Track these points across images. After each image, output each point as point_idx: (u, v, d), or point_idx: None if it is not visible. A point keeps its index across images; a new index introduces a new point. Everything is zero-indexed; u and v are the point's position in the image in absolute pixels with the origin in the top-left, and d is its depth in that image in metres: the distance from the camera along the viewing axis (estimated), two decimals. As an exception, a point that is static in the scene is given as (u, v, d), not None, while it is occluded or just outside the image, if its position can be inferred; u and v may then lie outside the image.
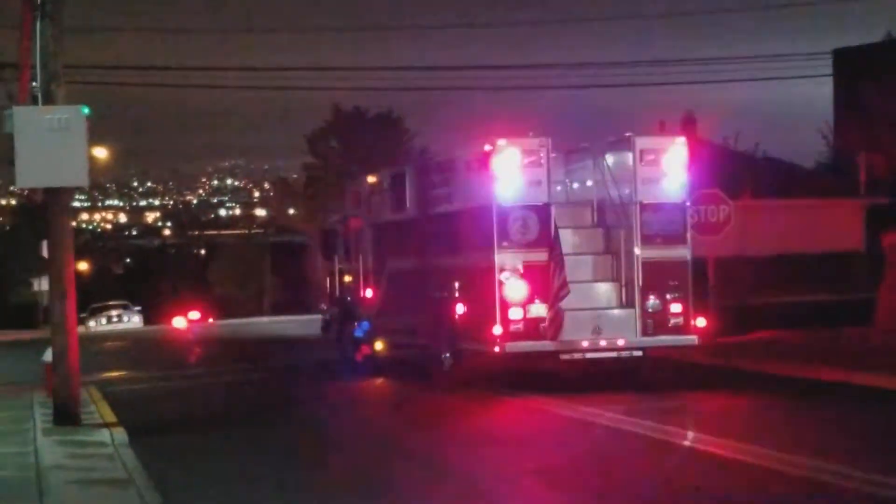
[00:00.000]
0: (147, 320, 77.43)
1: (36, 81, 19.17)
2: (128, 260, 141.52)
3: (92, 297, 78.08)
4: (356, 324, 28.85)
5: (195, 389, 27.17)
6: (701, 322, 22.45)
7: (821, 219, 38.51)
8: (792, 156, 52.11)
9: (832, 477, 13.34)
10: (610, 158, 23.32)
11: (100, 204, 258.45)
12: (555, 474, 14.45)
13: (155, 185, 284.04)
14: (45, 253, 23.20)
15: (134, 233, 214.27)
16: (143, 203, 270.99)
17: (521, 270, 21.95)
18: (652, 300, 22.25)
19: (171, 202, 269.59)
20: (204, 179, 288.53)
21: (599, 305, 22.53)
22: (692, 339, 22.45)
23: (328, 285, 31.95)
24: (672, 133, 36.58)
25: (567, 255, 21.93)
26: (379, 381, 26.72)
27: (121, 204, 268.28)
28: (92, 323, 74.82)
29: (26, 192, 28.60)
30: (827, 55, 50.91)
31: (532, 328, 21.81)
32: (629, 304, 22.42)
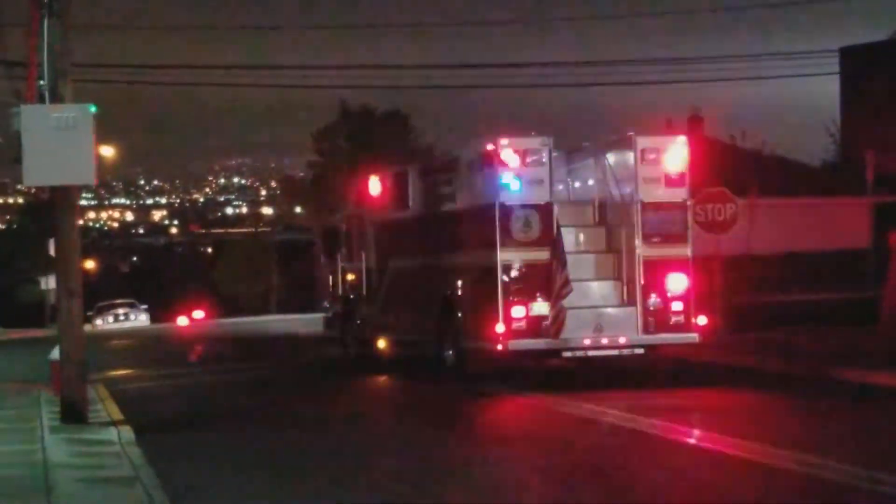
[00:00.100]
0: (154, 319, 77.50)
1: (43, 79, 19.19)
2: (134, 258, 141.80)
3: (99, 296, 78.17)
4: (358, 322, 28.99)
5: (201, 387, 27.22)
6: (702, 320, 22.56)
7: (827, 217, 38.46)
8: (799, 154, 52.12)
9: (837, 475, 13.35)
10: (611, 157, 23.43)
11: (107, 202, 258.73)
12: (563, 472, 14.46)
13: (162, 184, 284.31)
14: (52, 251, 23.22)
15: (141, 231, 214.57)
16: (149, 201, 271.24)
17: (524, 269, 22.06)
18: (653, 298, 22.35)
19: (178, 200, 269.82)
20: (211, 178, 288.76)
21: (601, 303, 22.64)
22: (693, 336, 22.54)
23: (331, 283, 32.04)
24: (678, 131, 36.55)
25: (569, 253, 22.01)
26: (382, 378, 26.78)
27: (128, 202, 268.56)
28: (99, 321, 74.90)
29: (33, 191, 28.64)
30: (834, 53, 50.82)
31: (534, 326, 21.91)
32: (631, 302, 22.53)
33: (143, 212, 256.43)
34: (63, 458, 15.88)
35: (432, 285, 25.02)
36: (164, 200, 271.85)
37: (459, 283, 23.78)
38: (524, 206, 22.17)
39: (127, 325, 74.13)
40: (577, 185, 24.73)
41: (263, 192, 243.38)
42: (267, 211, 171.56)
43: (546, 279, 21.79)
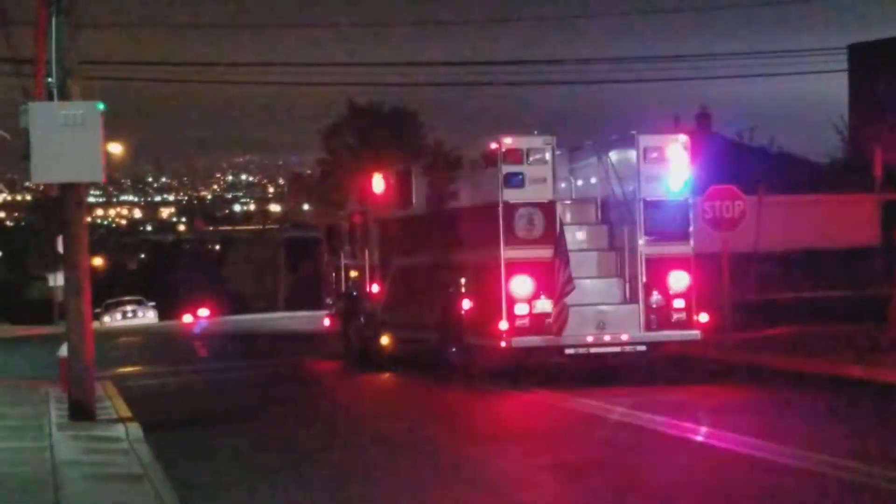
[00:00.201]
0: (162, 316, 77.57)
1: (51, 77, 19.22)
2: (142, 255, 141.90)
3: (107, 293, 78.27)
4: (361, 319, 29.06)
5: (208, 384, 27.25)
6: (703, 317, 22.68)
7: (835, 214, 38.43)
8: (807, 151, 52.11)
9: (844, 472, 13.34)
10: (614, 156, 23.56)
11: (115, 199, 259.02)
12: (571, 470, 14.45)
13: (170, 181, 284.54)
14: (60, 248, 23.27)
15: (149, 228, 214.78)
16: (157, 198, 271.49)
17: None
18: (655, 296, 22.47)
19: (186, 198, 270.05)
20: (218, 175, 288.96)
21: (604, 301, 22.77)
22: (695, 333, 22.65)
23: (333, 280, 32.12)
24: (686, 128, 36.43)
25: (572, 251, 22.14)
26: (386, 375, 26.85)
27: (136, 199, 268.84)
28: (107, 318, 75.00)
29: (42, 188, 28.63)
30: (842, 50, 50.80)
31: (538, 323, 22.05)
32: (633, 299, 22.67)
33: (151, 209, 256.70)
34: (71, 456, 15.90)
35: (436, 283, 25.14)
36: (172, 197, 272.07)
37: (463, 280, 23.90)
38: (527, 205, 22.30)
39: (135, 322, 74.23)
40: (579, 183, 24.85)
41: (271, 190, 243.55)
42: (275, 208, 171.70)
43: (549, 277, 21.90)
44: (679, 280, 22.52)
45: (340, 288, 31.36)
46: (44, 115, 18.64)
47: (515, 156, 22.36)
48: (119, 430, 18.34)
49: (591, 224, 23.81)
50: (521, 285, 22.07)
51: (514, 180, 22.28)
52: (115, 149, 43.06)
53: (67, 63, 19.15)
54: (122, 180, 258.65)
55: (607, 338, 22.35)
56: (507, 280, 22.07)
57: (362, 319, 29.22)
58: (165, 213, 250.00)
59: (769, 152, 45.88)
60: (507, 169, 22.29)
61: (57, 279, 60.04)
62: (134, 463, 15.47)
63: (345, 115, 76.74)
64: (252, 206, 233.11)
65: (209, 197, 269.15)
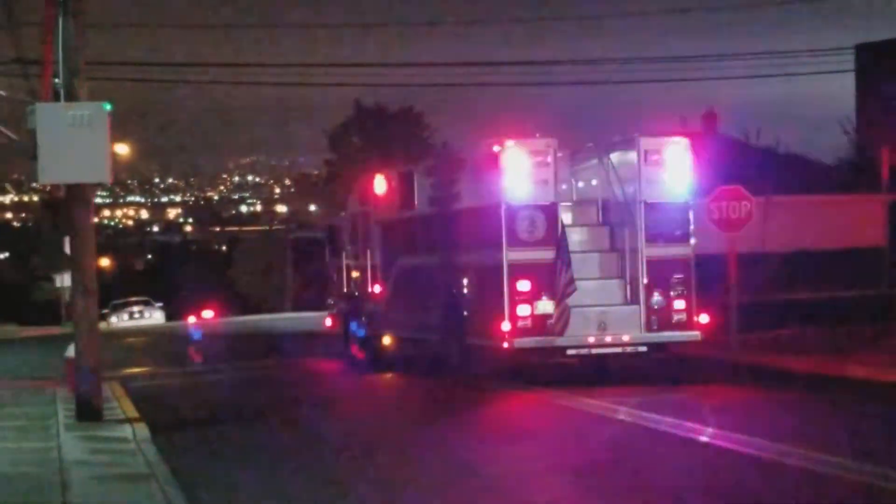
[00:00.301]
0: (169, 316, 77.56)
1: (58, 78, 19.24)
2: (149, 256, 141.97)
3: (114, 293, 78.30)
4: (355, 321, 29.21)
5: (215, 385, 27.27)
6: (704, 318, 22.83)
7: (842, 214, 38.40)
8: (814, 151, 52.00)
9: (849, 473, 13.34)
10: (615, 158, 23.71)
11: (122, 200, 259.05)
12: (579, 470, 14.46)
13: (176, 182, 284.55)
14: (67, 249, 23.28)
15: (155, 229, 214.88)
16: (164, 199, 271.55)
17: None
18: (656, 297, 22.63)
19: (193, 198, 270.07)
20: (225, 175, 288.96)
21: (605, 302, 22.89)
22: (695, 334, 22.80)
23: (335, 281, 32.23)
24: (693, 128, 36.51)
25: (573, 252, 22.27)
26: (388, 375, 26.92)
27: (142, 200, 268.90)
28: (114, 319, 75.04)
29: (49, 189, 28.60)
30: (849, 50, 50.71)
31: (539, 324, 22.20)
32: (634, 300, 22.81)
33: (157, 210, 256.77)
34: (79, 456, 15.93)
35: (438, 283, 25.29)
36: (178, 198, 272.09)
37: (465, 281, 24.07)
38: (529, 207, 22.48)
39: (142, 322, 74.26)
40: (580, 185, 25.00)
41: (278, 190, 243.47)
42: (281, 209, 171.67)
43: (551, 278, 22.05)
44: (679, 281, 22.67)
45: (342, 288, 31.48)
46: (51, 116, 18.67)
47: (518, 158, 22.50)
48: (126, 430, 18.37)
49: (593, 226, 23.96)
50: (524, 286, 22.23)
51: (516, 182, 22.44)
52: (122, 149, 43.14)
53: (74, 64, 19.18)
54: (129, 181, 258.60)
55: (609, 338, 22.47)
56: (509, 281, 22.23)
57: (364, 319, 29.34)
58: (172, 213, 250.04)
59: (776, 153, 45.80)
60: (509, 171, 22.44)
61: (64, 280, 60.12)
62: (141, 463, 15.50)
63: (351, 116, 76.78)
64: (259, 207, 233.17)
65: (216, 198, 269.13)
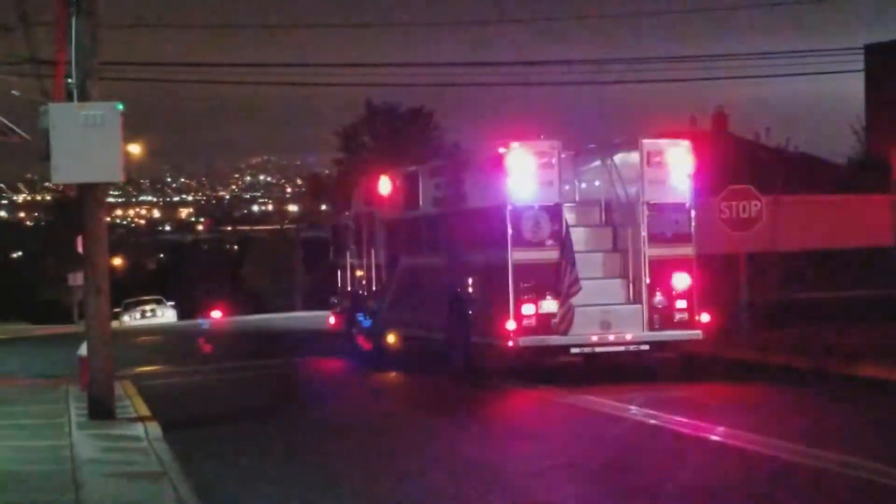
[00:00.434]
0: (181, 315, 77.70)
1: (71, 78, 19.33)
2: (161, 255, 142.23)
3: (126, 292, 78.51)
4: (360, 316, 29.43)
5: (226, 383, 27.32)
6: (705, 317, 23.04)
7: (852, 214, 38.38)
8: (824, 151, 52.01)
9: (857, 471, 13.38)
10: (618, 159, 24.01)
11: (134, 199, 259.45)
12: (588, 469, 14.51)
13: (188, 181, 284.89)
14: (80, 248, 23.37)
15: (167, 228, 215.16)
16: (176, 199, 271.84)
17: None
18: (658, 296, 22.87)
19: (205, 198, 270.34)
20: (237, 175, 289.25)
21: (608, 301, 23.11)
22: (697, 333, 23.01)
23: (339, 279, 32.44)
24: (702, 129, 36.54)
25: (577, 252, 22.54)
26: (393, 374, 27.03)
27: (154, 199, 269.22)
28: (126, 318, 75.22)
29: (61, 188, 28.82)
30: (858, 50, 50.68)
31: (544, 323, 22.43)
32: (636, 300, 23.05)
33: (169, 209, 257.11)
34: (91, 454, 15.99)
35: (442, 283, 25.51)
36: (190, 198, 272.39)
37: (470, 281, 24.29)
38: (534, 208, 22.72)
39: (154, 321, 74.42)
40: (584, 186, 25.26)
41: (289, 190, 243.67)
42: (292, 208, 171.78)
43: (555, 278, 22.33)
44: (681, 281, 22.93)
45: (346, 287, 31.74)
46: (63, 116, 18.75)
47: (522, 160, 22.76)
48: (138, 428, 18.44)
49: (596, 226, 24.20)
50: (528, 286, 22.47)
51: (520, 184, 22.70)
52: (134, 149, 43.27)
53: (87, 64, 19.26)
54: (141, 180, 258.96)
55: (612, 337, 22.72)
56: (514, 281, 22.47)
57: (368, 318, 29.57)
58: (184, 213, 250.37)
59: (785, 152, 45.80)
60: (514, 172, 22.70)
61: (77, 279, 60.24)
62: (153, 461, 15.56)
63: (362, 116, 76.87)
64: (270, 207, 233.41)
65: (227, 197, 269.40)
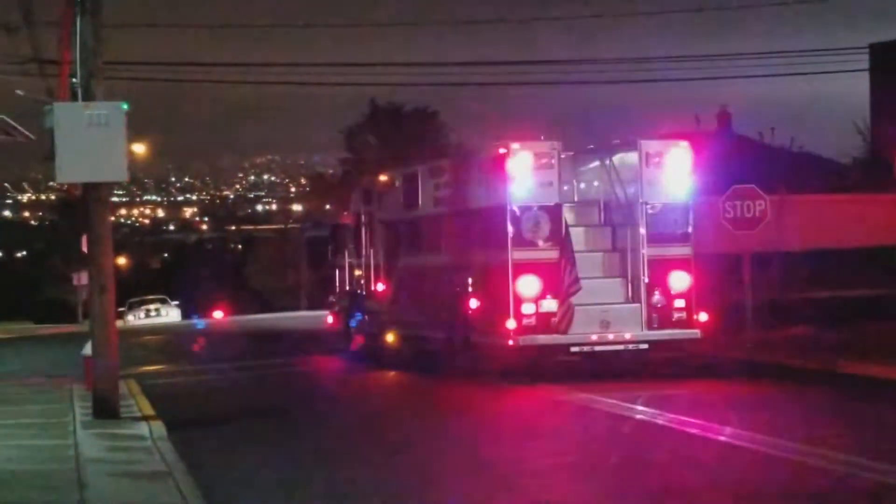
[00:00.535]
0: (185, 314, 77.70)
1: (76, 77, 19.35)
2: (165, 255, 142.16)
3: (130, 292, 78.43)
4: (359, 315, 29.54)
5: (229, 383, 27.37)
6: (703, 316, 23.29)
7: (857, 214, 38.31)
8: (829, 151, 51.93)
9: (865, 473, 13.38)
10: (617, 160, 24.24)
11: (138, 199, 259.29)
12: (596, 467, 14.52)
13: (192, 181, 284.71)
14: (84, 247, 23.39)
15: (171, 228, 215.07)
16: (180, 198, 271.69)
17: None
18: (657, 296, 23.13)
19: (209, 197, 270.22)
20: (241, 174, 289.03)
21: (607, 301, 23.33)
22: (695, 332, 23.26)
23: (337, 279, 32.50)
24: (707, 128, 36.60)
25: (577, 252, 22.70)
26: (392, 373, 27.06)
27: (158, 199, 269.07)
28: (130, 317, 75.19)
29: (66, 188, 28.75)
30: (863, 49, 50.58)
31: (544, 322, 22.68)
32: (635, 299, 23.32)
33: (173, 208, 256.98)
34: (95, 453, 16.00)
35: (443, 282, 25.68)
36: (194, 197, 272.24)
37: (470, 280, 24.46)
38: (534, 208, 22.94)
39: (158, 320, 74.37)
40: (582, 186, 25.48)
41: (293, 189, 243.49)
42: (297, 208, 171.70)
43: (555, 277, 22.51)
44: (679, 280, 23.22)
45: (344, 286, 31.84)
46: (68, 116, 18.77)
47: (523, 160, 22.93)
48: (143, 428, 18.45)
49: (595, 226, 24.41)
50: (529, 285, 22.73)
51: (521, 184, 22.89)
52: (139, 148, 43.21)
53: (92, 63, 19.28)
54: (145, 180, 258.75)
55: (611, 336, 22.95)
56: (514, 280, 22.71)
57: (366, 317, 29.68)
58: (188, 212, 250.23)
59: (790, 152, 45.78)
60: (514, 173, 22.88)
61: (81, 278, 60.27)
62: (157, 461, 15.57)
63: (366, 115, 76.83)
64: (274, 206, 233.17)
65: (231, 197, 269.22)
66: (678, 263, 23.22)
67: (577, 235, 23.31)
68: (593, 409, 19.39)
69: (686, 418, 17.47)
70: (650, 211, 23.18)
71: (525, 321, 22.60)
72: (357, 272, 30.93)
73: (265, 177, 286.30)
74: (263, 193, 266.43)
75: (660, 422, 17.53)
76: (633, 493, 13.08)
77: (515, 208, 22.85)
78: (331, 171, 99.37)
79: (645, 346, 23.24)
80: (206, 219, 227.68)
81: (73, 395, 22.90)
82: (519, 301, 22.61)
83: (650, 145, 23.47)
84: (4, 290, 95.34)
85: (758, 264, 27.94)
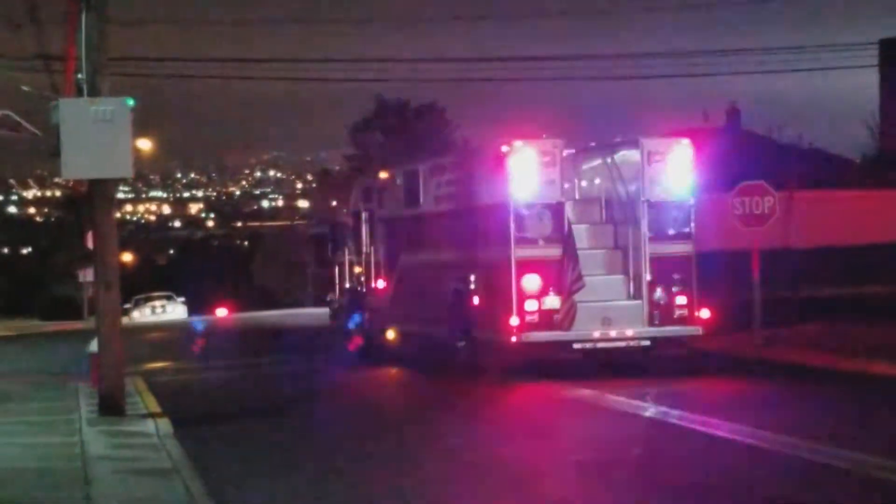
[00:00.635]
0: (191, 311, 77.73)
1: (81, 73, 19.28)
2: (171, 251, 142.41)
3: (136, 289, 78.53)
4: (360, 312, 29.57)
5: (235, 380, 27.32)
6: (705, 313, 23.27)
7: (866, 210, 38.30)
8: (838, 147, 51.87)
9: (875, 471, 13.29)
10: (619, 158, 24.25)
11: (144, 195, 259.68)
12: (604, 467, 14.44)
13: (198, 177, 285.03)
14: (89, 244, 23.38)
15: (177, 224, 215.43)
16: (186, 194, 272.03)
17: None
18: (658, 293, 23.11)
19: (214, 194, 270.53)
20: (247, 171, 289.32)
21: (609, 298, 23.33)
22: (696, 329, 23.25)
23: (337, 276, 32.52)
24: (715, 124, 36.54)
25: (579, 249, 22.72)
26: (394, 370, 27.05)
27: (164, 195, 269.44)
28: (136, 314, 75.26)
29: (71, 184, 28.75)
30: (873, 45, 50.51)
31: (546, 319, 22.69)
32: (637, 296, 23.29)
33: (179, 205, 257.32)
34: (101, 451, 15.97)
35: (445, 280, 25.69)
36: (200, 193, 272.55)
37: (473, 277, 24.46)
38: (536, 205, 22.96)
39: (164, 317, 74.44)
40: (584, 183, 25.52)
41: (299, 186, 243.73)
42: (303, 204, 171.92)
43: (558, 274, 22.54)
44: (681, 278, 23.15)
45: (344, 283, 31.91)
46: (73, 112, 18.70)
47: (525, 158, 22.92)
48: (149, 425, 18.41)
49: (597, 224, 24.39)
50: (531, 282, 22.74)
51: (523, 181, 22.88)
52: (144, 145, 43.15)
53: (97, 59, 19.21)
54: (151, 176, 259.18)
55: (613, 333, 22.96)
56: (517, 277, 22.73)
57: (367, 314, 29.69)
58: (194, 209, 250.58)
59: (799, 148, 45.69)
60: (516, 170, 22.89)
61: (86, 275, 60.27)
62: (164, 458, 15.53)
63: (373, 111, 76.85)
64: (280, 202, 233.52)
65: (237, 193, 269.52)
66: (680, 261, 23.23)
67: (580, 233, 23.33)
68: (601, 406, 19.38)
69: (695, 415, 17.40)
70: (652, 209, 23.19)
71: (528, 318, 22.63)
72: (357, 269, 30.94)
73: (271, 173, 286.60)
74: (270, 190, 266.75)
75: (669, 419, 17.48)
76: (649, 494, 12.98)
77: (518, 206, 22.85)
78: (337, 168, 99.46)
79: (647, 342, 23.27)
80: (212, 215, 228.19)
81: (79, 392, 22.86)
82: (522, 298, 22.64)
83: (652, 143, 23.50)
84: (10, 287, 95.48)
85: (767, 261, 27.86)
